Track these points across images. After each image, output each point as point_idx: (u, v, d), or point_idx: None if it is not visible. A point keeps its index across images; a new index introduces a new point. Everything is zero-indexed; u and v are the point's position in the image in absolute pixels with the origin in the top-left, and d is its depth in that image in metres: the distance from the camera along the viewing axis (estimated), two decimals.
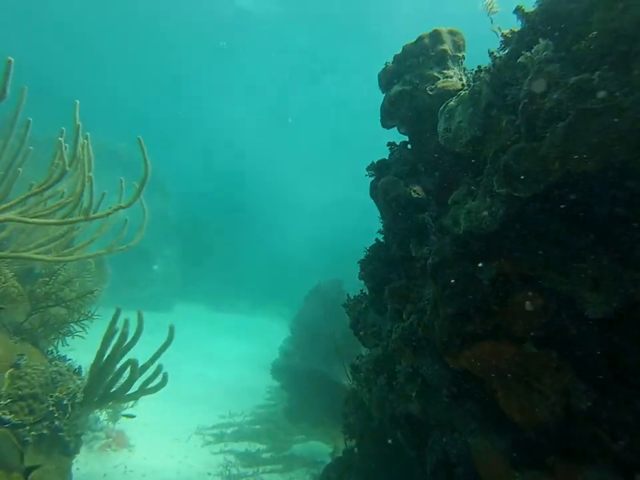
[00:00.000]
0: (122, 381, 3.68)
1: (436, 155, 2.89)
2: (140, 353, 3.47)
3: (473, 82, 2.30)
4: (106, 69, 25.84)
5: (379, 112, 3.28)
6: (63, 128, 2.62)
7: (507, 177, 1.86)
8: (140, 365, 3.63)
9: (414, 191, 2.84)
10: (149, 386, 3.70)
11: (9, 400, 2.62)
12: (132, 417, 4.28)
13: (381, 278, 3.18)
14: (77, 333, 3.79)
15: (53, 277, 3.38)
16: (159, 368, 3.59)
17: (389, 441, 2.87)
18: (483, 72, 2.24)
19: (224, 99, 30.59)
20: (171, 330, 3.66)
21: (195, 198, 18.16)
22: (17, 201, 2.60)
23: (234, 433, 5.68)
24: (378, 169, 3.08)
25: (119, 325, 3.49)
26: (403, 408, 2.61)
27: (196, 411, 6.46)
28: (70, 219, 2.57)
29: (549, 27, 1.91)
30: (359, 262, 3.20)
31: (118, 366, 3.61)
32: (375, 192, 3.10)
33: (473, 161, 2.35)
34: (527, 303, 1.89)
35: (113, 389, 3.66)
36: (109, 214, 2.61)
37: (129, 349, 3.65)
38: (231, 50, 25.49)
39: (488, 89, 2.12)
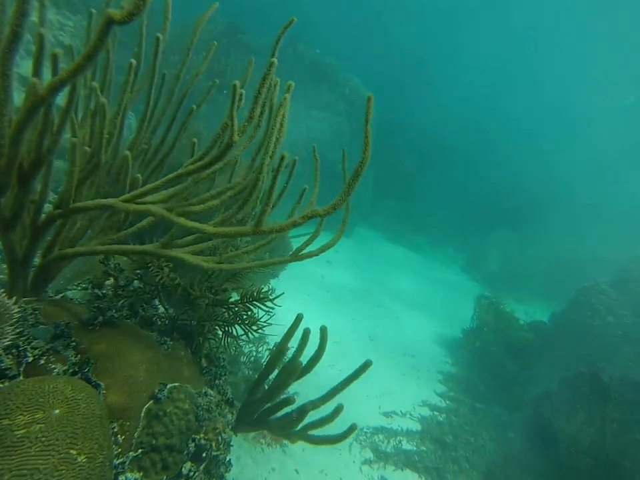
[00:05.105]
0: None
1: None
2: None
3: None
4: None
5: None
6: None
7: None
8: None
9: None
10: (314, 430, 2.82)
11: (140, 450, 1.94)
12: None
13: None
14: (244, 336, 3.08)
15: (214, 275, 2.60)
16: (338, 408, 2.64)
17: None
18: None
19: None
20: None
21: (394, 127, 17.02)
22: (163, 181, 1.69)
23: (395, 450, 4.71)
24: None
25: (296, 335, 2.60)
26: None
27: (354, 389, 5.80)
28: (234, 229, 1.54)
29: None
30: None
31: (283, 395, 2.79)
32: None
33: None
34: None
35: (272, 417, 2.89)
36: (296, 224, 1.49)
37: (306, 373, 2.78)
38: None
39: None
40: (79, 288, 2.73)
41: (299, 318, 2.45)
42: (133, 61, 1.66)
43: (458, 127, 21.27)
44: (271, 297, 2.55)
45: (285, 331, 2.56)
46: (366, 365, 2.53)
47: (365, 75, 15.72)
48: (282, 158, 1.26)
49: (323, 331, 2.38)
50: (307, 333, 2.43)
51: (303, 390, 4.24)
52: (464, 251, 15.87)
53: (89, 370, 1.87)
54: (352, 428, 2.63)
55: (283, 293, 2.48)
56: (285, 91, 1.37)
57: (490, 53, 30.56)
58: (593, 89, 28.65)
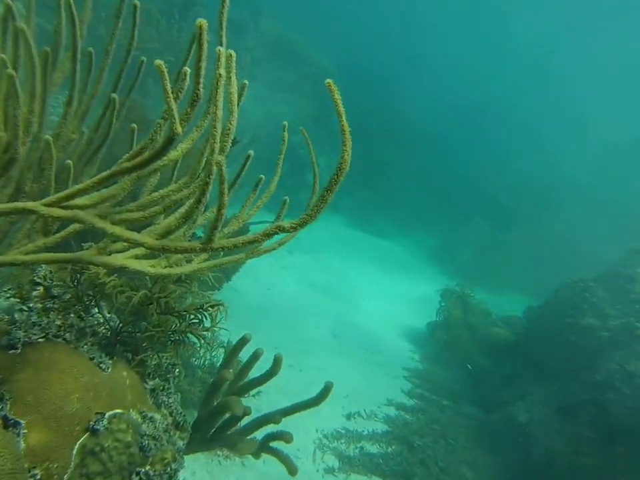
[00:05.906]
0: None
1: None
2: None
3: None
4: None
5: None
6: None
7: None
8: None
9: None
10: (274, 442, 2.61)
11: None
12: None
13: None
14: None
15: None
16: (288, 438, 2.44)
17: None
18: None
19: None
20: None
21: (368, 109, 16.00)
22: (94, 181, 1.38)
23: (358, 456, 4.55)
24: None
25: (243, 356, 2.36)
26: None
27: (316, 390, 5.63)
28: (180, 244, 1.28)
29: None
30: None
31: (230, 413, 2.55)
32: None
33: None
34: None
35: (227, 432, 2.65)
36: (255, 241, 1.24)
37: (255, 389, 2.55)
38: None
39: None
40: (7, 296, 2.35)
41: (244, 340, 2.17)
42: (23, 26, 1.32)
43: (437, 113, 20.28)
44: (222, 304, 2.30)
45: (225, 355, 2.28)
46: (327, 389, 2.32)
47: (335, 53, 15.09)
48: (218, 165, 0.99)
49: (277, 360, 2.09)
50: (257, 355, 2.14)
51: (262, 389, 4.02)
52: (435, 239, 15.09)
53: (3, 407, 1.55)
54: (293, 470, 2.41)
55: (224, 311, 2.22)
56: (225, 64, 1.06)
57: (466, 33, 29.88)
58: (584, 79, 27.92)
